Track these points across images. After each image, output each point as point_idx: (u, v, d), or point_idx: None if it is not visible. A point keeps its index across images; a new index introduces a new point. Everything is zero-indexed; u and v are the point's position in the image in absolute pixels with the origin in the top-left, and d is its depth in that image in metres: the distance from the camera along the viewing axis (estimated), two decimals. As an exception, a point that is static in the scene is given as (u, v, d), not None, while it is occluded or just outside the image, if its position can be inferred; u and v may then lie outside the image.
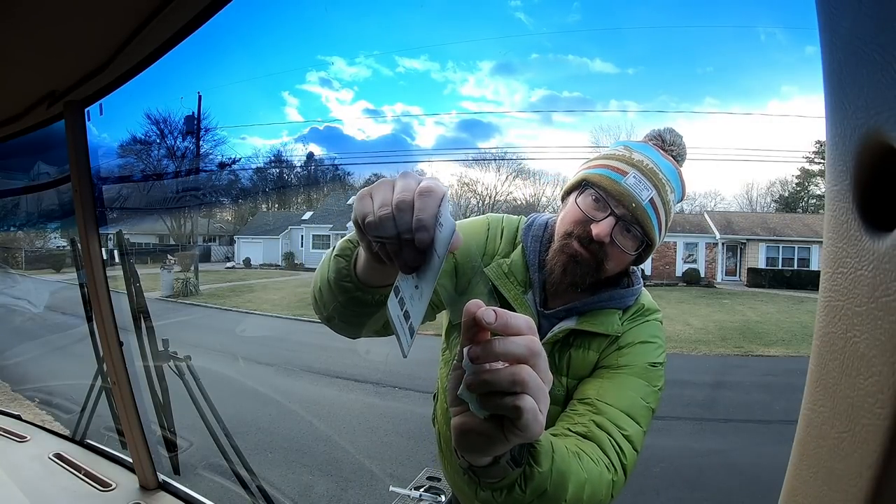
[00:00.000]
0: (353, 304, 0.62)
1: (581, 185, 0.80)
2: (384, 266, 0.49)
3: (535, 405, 0.38)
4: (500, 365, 0.39)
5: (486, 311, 0.38)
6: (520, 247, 0.87)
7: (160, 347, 1.33)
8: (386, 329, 0.77)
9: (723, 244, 19.32)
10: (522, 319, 0.40)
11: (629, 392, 0.74)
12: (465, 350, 0.40)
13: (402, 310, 0.44)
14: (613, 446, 0.66)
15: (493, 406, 0.39)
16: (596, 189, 0.77)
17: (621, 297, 0.83)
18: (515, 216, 0.95)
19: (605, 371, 0.78)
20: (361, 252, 0.57)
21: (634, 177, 0.76)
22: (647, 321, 0.84)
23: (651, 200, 0.76)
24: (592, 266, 0.77)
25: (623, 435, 0.68)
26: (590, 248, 0.76)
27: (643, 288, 0.89)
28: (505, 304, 0.82)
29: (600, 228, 0.74)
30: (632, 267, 0.87)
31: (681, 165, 0.83)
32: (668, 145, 0.82)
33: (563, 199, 0.84)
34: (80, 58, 0.91)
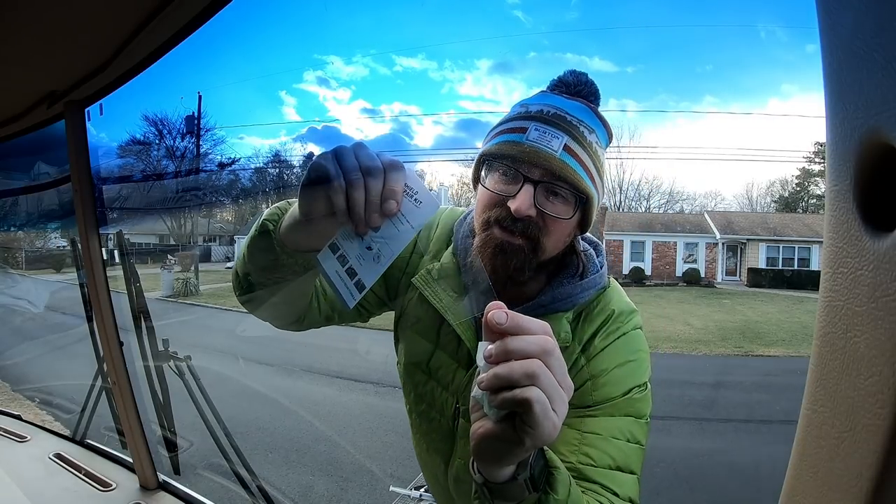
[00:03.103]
0: (273, 269, 0.60)
1: (484, 164, 0.67)
2: (318, 225, 0.50)
3: (546, 399, 0.39)
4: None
5: (497, 313, 0.40)
6: (451, 246, 0.75)
7: (160, 347, 1.33)
8: (303, 318, 0.75)
9: (723, 244, 19.32)
10: (536, 322, 0.41)
11: (617, 441, 0.62)
12: (481, 349, 0.41)
13: (342, 266, 0.48)
14: None
15: (501, 401, 0.39)
16: (499, 160, 0.64)
17: (568, 295, 0.68)
18: (462, 209, 0.81)
19: (579, 417, 0.63)
20: (289, 216, 0.55)
21: (536, 129, 0.63)
22: (625, 335, 0.68)
23: (566, 147, 0.62)
24: (527, 250, 0.63)
25: (618, 496, 0.59)
26: (516, 230, 0.62)
27: (607, 278, 0.72)
28: (436, 315, 0.71)
29: (519, 202, 0.61)
30: (585, 245, 0.73)
31: (595, 105, 0.68)
32: (574, 87, 0.68)
33: (475, 188, 0.70)
34: (80, 58, 0.91)
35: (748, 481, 3.58)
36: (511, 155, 0.63)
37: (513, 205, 0.61)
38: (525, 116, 0.65)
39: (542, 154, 0.62)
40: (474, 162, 0.69)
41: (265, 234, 0.58)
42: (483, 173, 0.67)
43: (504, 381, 0.39)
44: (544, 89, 0.70)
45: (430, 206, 0.47)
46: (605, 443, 0.61)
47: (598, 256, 0.73)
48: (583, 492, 0.56)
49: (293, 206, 0.55)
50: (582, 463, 0.60)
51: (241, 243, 0.66)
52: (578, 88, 0.68)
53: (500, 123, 0.68)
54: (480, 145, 0.70)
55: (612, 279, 0.75)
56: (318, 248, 0.51)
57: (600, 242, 0.76)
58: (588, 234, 0.72)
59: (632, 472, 0.62)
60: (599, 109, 0.68)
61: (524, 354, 0.39)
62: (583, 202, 0.65)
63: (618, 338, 0.68)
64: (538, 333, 0.40)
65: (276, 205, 0.62)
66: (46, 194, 1.51)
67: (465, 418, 0.71)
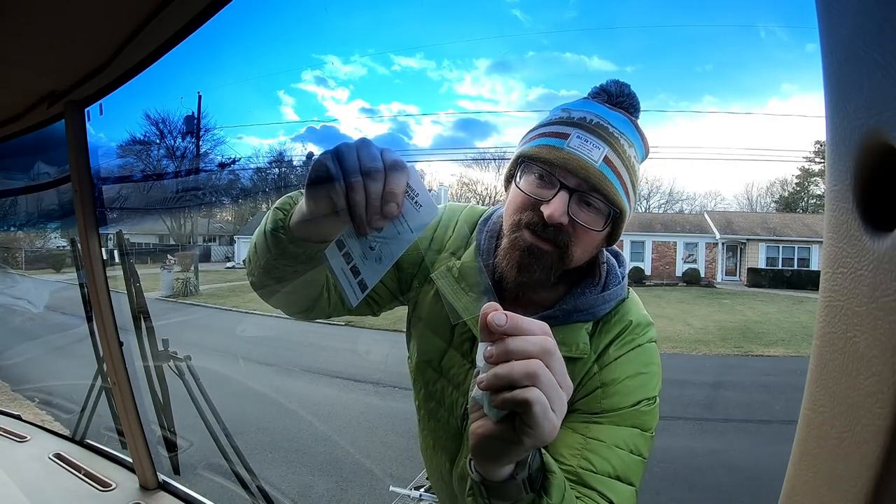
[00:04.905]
0: (283, 258, 0.60)
1: (520, 165, 0.66)
2: (323, 222, 0.50)
3: (545, 400, 0.39)
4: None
5: (496, 315, 0.39)
6: (473, 245, 0.74)
7: (160, 347, 1.33)
8: (312, 308, 0.75)
9: (723, 244, 19.32)
10: (535, 323, 0.41)
11: (619, 451, 0.61)
12: (480, 350, 0.41)
13: (347, 263, 0.49)
14: None
15: (502, 401, 0.40)
16: (536, 163, 0.63)
17: (589, 306, 0.68)
18: (482, 207, 0.81)
19: (585, 422, 0.63)
20: (298, 209, 0.56)
21: (578, 136, 0.62)
22: (640, 346, 0.68)
23: (605, 159, 0.61)
24: (555, 257, 0.63)
25: None
26: (546, 236, 0.62)
27: (627, 289, 0.72)
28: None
29: (552, 208, 0.60)
30: (608, 256, 0.72)
31: (635, 118, 0.68)
32: (616, 98, 0.67)
33: (506, 187, 0.70)
34: (80, 58, 0.91)
35: (748, 481, 3.58)
36: (550, 159, 0.62)
37: (546, 210, 0.61)
38: (567, 122, 0.64)
39: (581, 162, 0.61)
40: (510, 161, 0.69)
41: (276, 223, 0.59)
42: (518, 174, 0.66)
43: (504, 381, 0.39)
44: (586, 96, 0.69)
45: (430, 210, 0.47)
46: (608, 450, 0.61)
47: (619, 267, 0.73)
48: (578, 497, 0.56)
49: (303, 199, 0.55)
50: (582, 468, 0.60)
51: (256, 230, 0.67)
52: (620, 100, 0.67)
53: (541, 126, 0.67)
54: (517, 144, 0.70)
55: (630, 290, 0.74)
56: (327, 239, 0.52)
57: (622, 252, 0.76)
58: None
59: (630, 484, 0.61)
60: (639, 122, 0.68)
61: (525, 354, 0.39)
62: (615, 216, 0.64)
63: (632, 349, 0.67)
64: (537, 334, 0.40)
65: (289, 194, 0.61)
66: (46, 194, 1.51)
67: None
